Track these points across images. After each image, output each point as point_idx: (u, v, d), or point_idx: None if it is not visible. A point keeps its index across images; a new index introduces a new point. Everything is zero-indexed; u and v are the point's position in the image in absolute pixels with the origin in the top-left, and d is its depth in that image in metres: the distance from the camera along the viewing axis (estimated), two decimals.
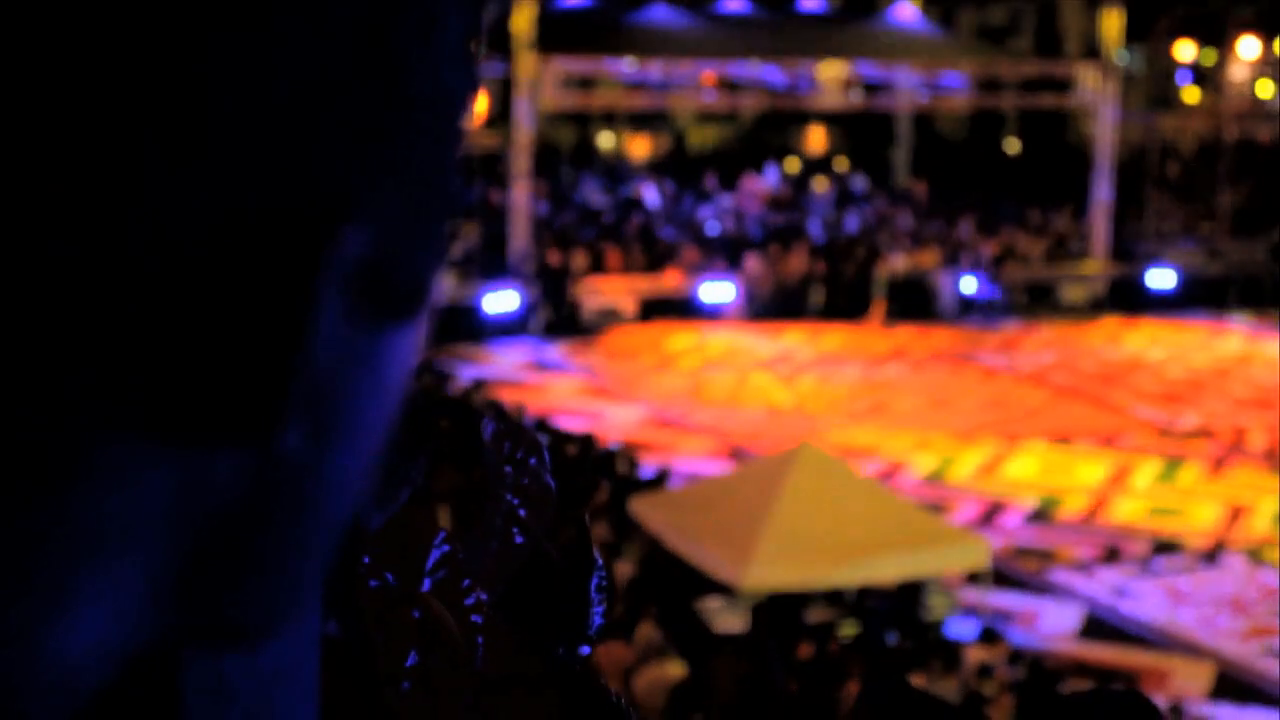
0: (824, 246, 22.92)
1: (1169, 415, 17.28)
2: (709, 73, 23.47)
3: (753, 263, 21.95)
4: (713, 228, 23.33)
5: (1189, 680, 10.06)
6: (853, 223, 23.93)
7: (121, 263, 0.38)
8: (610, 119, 26.70)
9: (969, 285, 22.57)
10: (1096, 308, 22.98)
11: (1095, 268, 23.68)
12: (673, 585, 9.32)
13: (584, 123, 26.33)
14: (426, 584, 1.18)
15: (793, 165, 26.51)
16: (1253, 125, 25.60)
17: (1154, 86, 26.31)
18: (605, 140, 26.90)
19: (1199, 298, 23.05)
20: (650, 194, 24.52)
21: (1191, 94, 26.56)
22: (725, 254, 22.17)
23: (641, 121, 26.62)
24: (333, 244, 0.41)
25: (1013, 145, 27.61)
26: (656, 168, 26.24)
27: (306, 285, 0.40)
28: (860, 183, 25.84)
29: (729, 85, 23.65)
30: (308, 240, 0.41)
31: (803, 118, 26.41)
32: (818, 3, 24.87)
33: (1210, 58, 26.18)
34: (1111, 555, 12.58)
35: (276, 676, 0.49)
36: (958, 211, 24.17)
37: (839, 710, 7.29)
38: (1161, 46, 26.27)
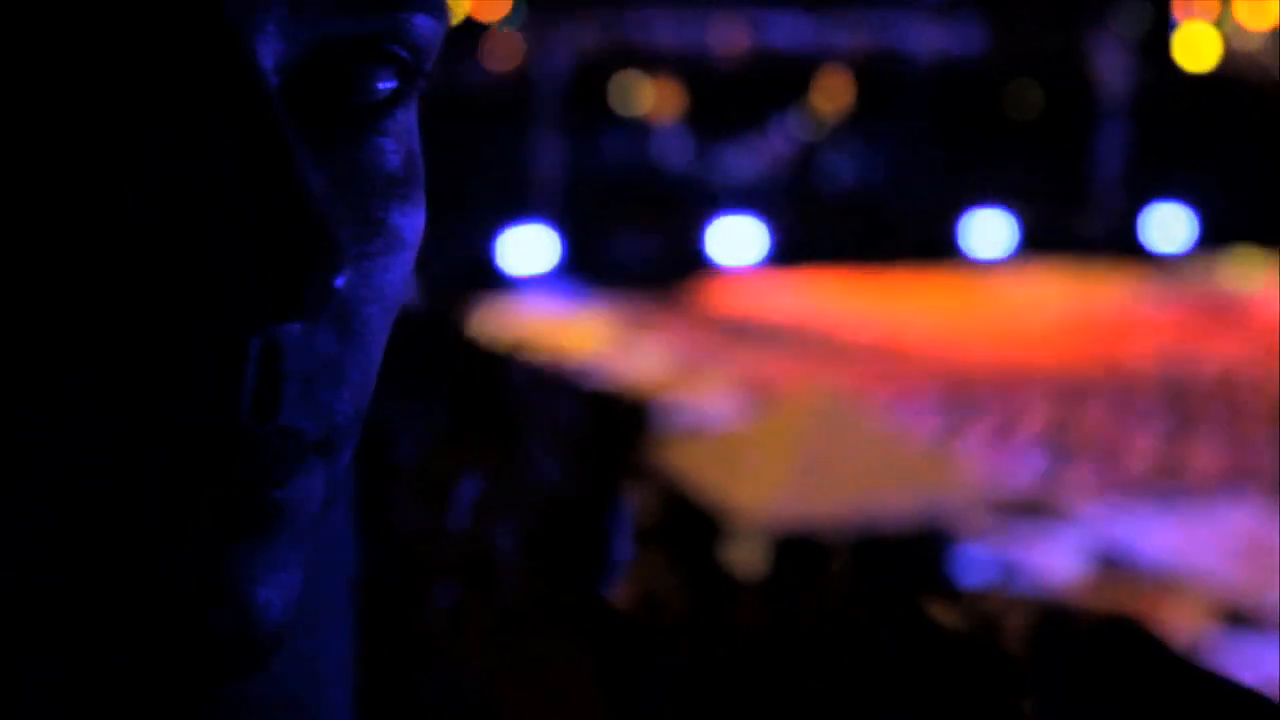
0: (841, 198, 22.89)
1: (1180, 359, 17.27)
2: (732, 37, 23.39)
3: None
4: (737, 177, 23.30)
5: (1200, 617, 10.11)
6: (870, 174, 23.88)
7: None
8: (632, 71, 26.59)
9: (986, 229, 22.53)
10: (1109, 248, 22.93)
11: (1108, 208, 23.63)
12: (694, 529, 9.38)
13: (605, 75, 26.22)
14: (457, 520, 1.22)
15: (810, 120, 26.38)
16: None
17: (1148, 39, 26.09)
18: (627, 93, 26.78)
19: (1213, 238, 22.98)
20: (672, 145, 24.44)
21: (1187, 45, 26.27)
22: (749, 203, 22.15)
23: (662, 71, 26.48)
24: None
25: (1034, 96, 27.44)
26: (678, 120, 26.13)
27: None
28: (876, 136, 25.76)
29: (752, 49, 23.57)
30: None
31: (817, 69, 26.25)
32: None
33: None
34: (1122, 494, 12.62)
35: (313, 612, 0.50)
36: (975, 162, 24.09)
37: (857, 646, 7.35)
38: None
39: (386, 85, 0.47)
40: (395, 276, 0.48)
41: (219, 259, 0.41)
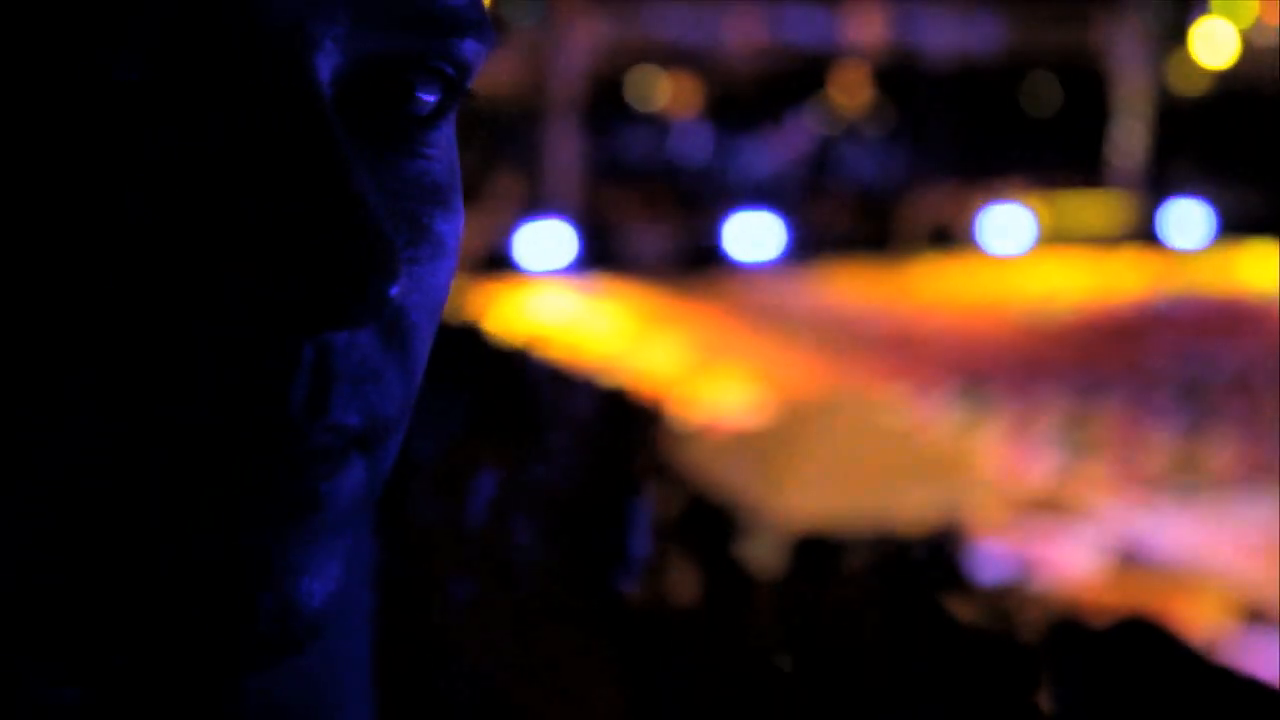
0: (859, 194, 22.89)
1: (1198, 355, 17.24)
2: (749, 31, 23.38)
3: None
4: (754, 172, 23.30)
5: (1218, 614, 10.11)
6: (887, 171, 23.87)
7: None
8: (649, 66, 26.61)
9: (1004, 223, 22.52)
10: (1127, 243, 22.91)
11: (1126, 203, 23.61)
12: (712, 526, 9.39)
13: (622, 70, 26.27)
14: (474, 516, 1.22)
15: (828, 115, 26.37)
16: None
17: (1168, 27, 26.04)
18: (644, 88, 26.80)
19: (1232, 233, 22.93)
20: (689, 140, 24.46)
21: (1207, 41, 26.20)
22: (766, 198, 22.15)
23: (679, 66, 26.52)
24: None
25: (1052, 92, 27.42)
26: (695, 115, 26.14)
27: None
28: (894, 131, 25.76)
29: (769, 43, 23.56)
30: None
31: (835, 65, 26.26)
32: None
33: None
34: (1140, 490, 12.61)
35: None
36: (993, 157, 24.08)
37: (874, 643, 7.35)
38: None
39: (432, 99, 0.48)
40: (441, 281, 0.50)
41: (276, 266, 0.42)
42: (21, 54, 0.41)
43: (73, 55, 0.41)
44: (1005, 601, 9.25)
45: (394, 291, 0.43)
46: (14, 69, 0.41)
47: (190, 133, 0.43)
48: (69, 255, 0.42)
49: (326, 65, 0.44)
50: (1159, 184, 23.84)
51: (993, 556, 10.35)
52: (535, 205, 20.81)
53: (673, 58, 25.33)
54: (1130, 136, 23.93)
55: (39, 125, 0.41)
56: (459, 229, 0.50)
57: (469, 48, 0.48)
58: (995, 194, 23.03)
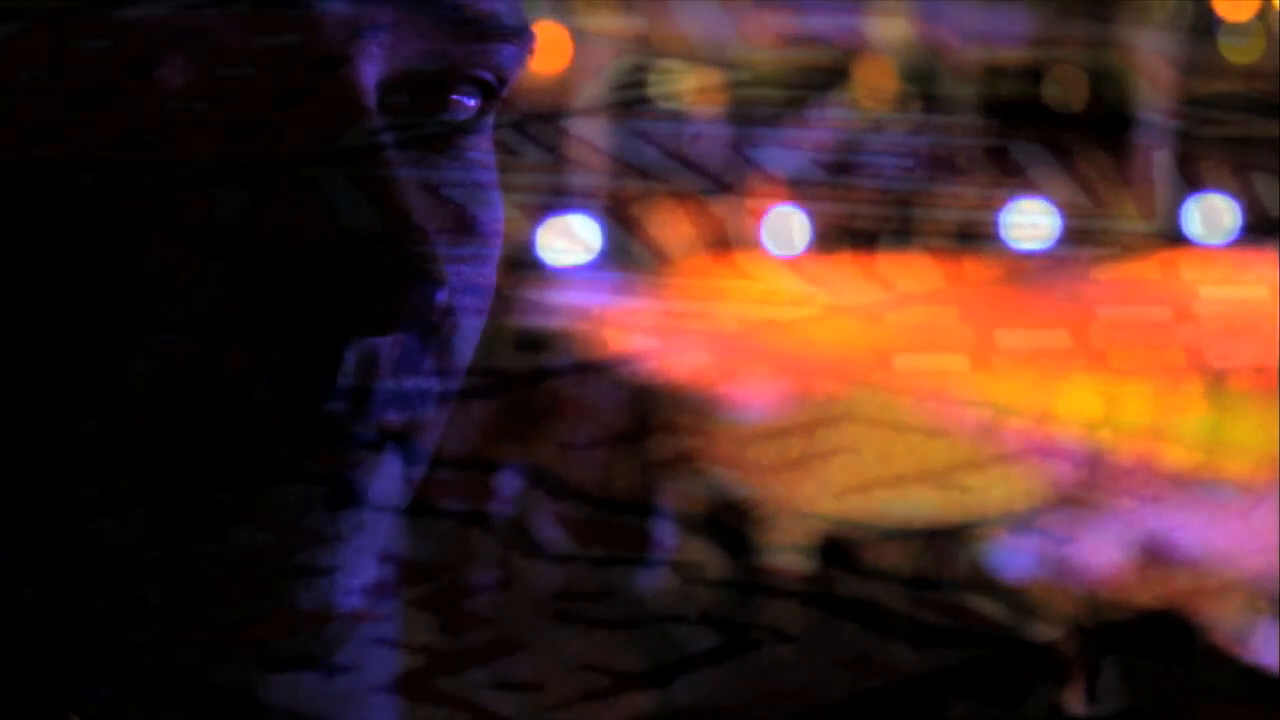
0: (883, 189, 22.97)
1: (1221, 349, 17.23)
2: (772, 25, 23.43)
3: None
4: (777, 167, 23.36)
5: (1242, 609, 10.07)
6: (911, 165, 23.96)
7: None
8: (672, 59, 26.60)
9: (1028, 218, 22.56)
10: (1153, 238, 22.89)
11: (1151, 198, 23.60)
12: (736, 522, 9.43)
13: (644, 63, 26.26)
14: (499, 511, 1.22)
15: (852, 108, 26.33)
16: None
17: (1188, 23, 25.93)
18: (667, 81, 26.84)
19: (1259, 229, 22.93)
20: (711, 134, 24.52)
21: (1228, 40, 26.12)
22: (789, 192, 22.21)
23: (702, 59, 26.54)
24: None
25: (1077, 85, 27.36)
26: (718, 108, 26.16)
27: None
28: (918, 125, 25.74)
29: (792, 37, 23.59)
30: None
31: (859, 57, 26.22)
32: None
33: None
34: (1163, 489, 12.60)
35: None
36: (1017, 152, 24.09)
37: (897, 639, 7.38)
38: None
39: (472, 104, 0.50)
40: (484, 282, 0.52)
41: (322, 276, 0.43)
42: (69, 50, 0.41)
43: (120, 56, 0.41)
44: (1029, 597, 9.27)
45: (440, 298, 0.43)
46: (57, 68, 0.41)
47: (237, 140, 0.43)
48: (92, 256, 0.41)
49: (372, 72, 0.45)
50: (1185, 178, 23.81)
51: (1016, 552, 10.34)
52: (558, 200, 20.87)
53: (695, 51, 25.30)
54: (1156, 131, 23.93)
55: (80, 126, 0.41)
56: (500, 229, 0.52)
57: (508, 54, 0.49)
58: (1019, 189, 23.05)
